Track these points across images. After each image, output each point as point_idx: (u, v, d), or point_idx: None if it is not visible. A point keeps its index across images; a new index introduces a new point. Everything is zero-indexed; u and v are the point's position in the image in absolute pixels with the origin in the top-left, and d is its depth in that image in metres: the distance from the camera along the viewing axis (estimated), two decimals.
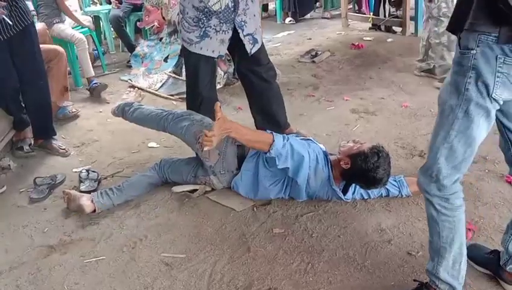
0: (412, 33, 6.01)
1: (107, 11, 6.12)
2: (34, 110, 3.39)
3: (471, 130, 1.59)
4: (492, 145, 3.00)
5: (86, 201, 2.58)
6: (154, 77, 4.86)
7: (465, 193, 2.50)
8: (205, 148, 2.32)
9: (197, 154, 2.70)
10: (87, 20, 5.36)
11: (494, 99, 1.53)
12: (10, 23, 2.99)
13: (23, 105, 3.41)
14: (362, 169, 2.36)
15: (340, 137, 3.32)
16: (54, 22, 4.67)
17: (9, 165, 3.22)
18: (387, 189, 2.53)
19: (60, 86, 3.99)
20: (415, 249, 2.17)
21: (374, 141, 2.52)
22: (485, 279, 1.98)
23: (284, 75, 4.70)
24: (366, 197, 2.58)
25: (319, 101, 4.11)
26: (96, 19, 6.09)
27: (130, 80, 4.99)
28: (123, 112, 3.13)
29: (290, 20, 7.44)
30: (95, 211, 2.59)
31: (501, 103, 1.56)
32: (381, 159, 2.35)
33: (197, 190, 2.71)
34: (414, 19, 5.96)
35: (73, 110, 4.12)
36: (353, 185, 2.52)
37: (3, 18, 2.96)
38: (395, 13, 6.23)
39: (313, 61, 5.18)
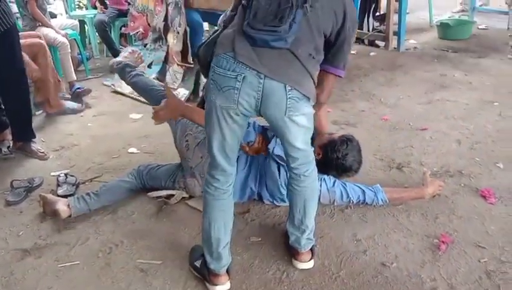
0: (395, 48, 6.08)
1: (92, 15, 6.09)
2: (14, 112, 3.36)
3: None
4: (468, 160, 3.08)
5: (62, 206, 2.55)
6: None
7: (441, 206, 2.59)
8: (154, 123, 2.46)
9: (179, 151, 2.69)
10: (70, 24, 5.37)
11: (213, 102, 1.79)
12: None
13: (3, 107, 3.39)
14: (332, 157, 2.44)
15: None
16: (37, 24, 4.65)
17: None
18: (363, 191, 2.56)
19: (55, 77, 4.14)
20: (389, 260, 2.20)
21: None
22: None
23: None
24: (345, 200, 2.56)
25: None
26: (81, 23, 6.06)
27: (113, 84, 4.97)
28: (123, 71, 3.08)
29: None
30: (70, 215, 2.56)
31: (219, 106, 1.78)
32: (350, 146, 2.45)
33: (173, 195, 2.69)
34: (397, 34, 6.04)
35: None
36: (331, 178, 2.56)
37: None
38: (378, 28, 6.31)
39: None
